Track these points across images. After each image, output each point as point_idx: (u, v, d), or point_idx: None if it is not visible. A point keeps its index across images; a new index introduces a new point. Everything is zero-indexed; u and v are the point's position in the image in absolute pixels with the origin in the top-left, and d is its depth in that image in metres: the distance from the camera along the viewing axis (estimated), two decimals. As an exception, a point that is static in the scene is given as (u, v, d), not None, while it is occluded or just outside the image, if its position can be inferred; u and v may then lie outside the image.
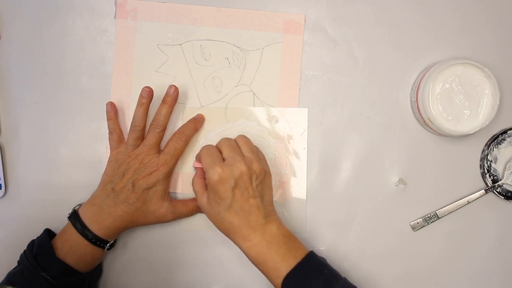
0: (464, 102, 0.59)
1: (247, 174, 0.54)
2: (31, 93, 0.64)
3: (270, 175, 0.58)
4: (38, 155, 0.64)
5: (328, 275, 0.54)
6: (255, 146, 0.59)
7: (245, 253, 0.55)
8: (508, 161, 0.64)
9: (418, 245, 0.64)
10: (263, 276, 0.63)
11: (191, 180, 0.63)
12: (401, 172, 0.64)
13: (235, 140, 0.59)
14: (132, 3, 0.64)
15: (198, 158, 0.59)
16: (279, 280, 0.53)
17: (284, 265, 0.53)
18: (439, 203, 0.64)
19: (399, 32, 0.64)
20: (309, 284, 0.52)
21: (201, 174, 0.59)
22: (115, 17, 0.64)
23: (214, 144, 0.59)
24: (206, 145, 0.58)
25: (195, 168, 0.61)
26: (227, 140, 0.58)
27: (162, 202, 0.60)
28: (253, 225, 0.54)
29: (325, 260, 0.56)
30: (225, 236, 0.56)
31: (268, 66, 0.64)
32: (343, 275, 0.55)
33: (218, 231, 0.57)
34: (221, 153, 0.57)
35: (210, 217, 0.57)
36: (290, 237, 0.56)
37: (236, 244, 0.56)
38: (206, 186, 0.57)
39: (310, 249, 0.56)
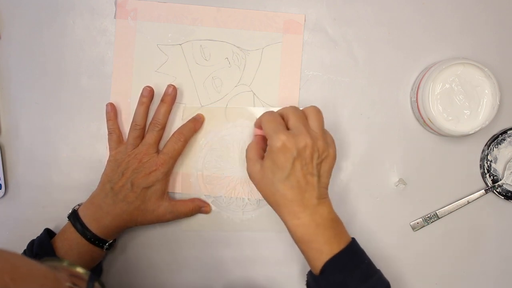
0: (464, 102, 0.59)
1: (311, 149, 0.52)
2: (31, 93, 0.64)
3: (333, 158, 0.54)
4: (38, 155, 0.64)
5: (367, 265, 0.53)
6: (325, 129, 0.56)
7: (290, 230, 0.53)
8: (508, 161, 0.64)
9: (418, 245, 0.64)
10: (263, 276, 0.63)
11: (190, 180, 0.64)
12: (401, 172, 0.64)
13: (303, 111, 0.56)
14: (132, 3, 0.64)
15: (258, 124, 0.56)
16: (320, 263, 0.52)
17: (327, 249, 0.52)
18: (439, 203, 0.64)
19: (399, 32, 0.64)
20: (348, 272, 0.52)
21: (259, 141, 0.57)
22: (115, 17, 0.64)
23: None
24: (268, 111, 0.55)
25: (256, 135, 0.58)
26: (294, 108, 0.55)
27: (161, 201, 0.60)
28: (305, 202, 0.52)
29: (364, 252, 0.55)
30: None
31: (268, 66, 0.64)
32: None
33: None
34: (285, 121, 0.54)
35: (261, 187, 0.54)
36: (338, 222, 0.54)
37: (283, 219, 0.53)
38: (261, 155, 0.55)
39: (352, 237, 0.55)
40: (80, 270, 0.39)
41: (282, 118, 0.55)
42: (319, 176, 0.53)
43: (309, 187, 0.52)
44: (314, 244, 0.52)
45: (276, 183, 0.52)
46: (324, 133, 0.55)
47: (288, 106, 0.56)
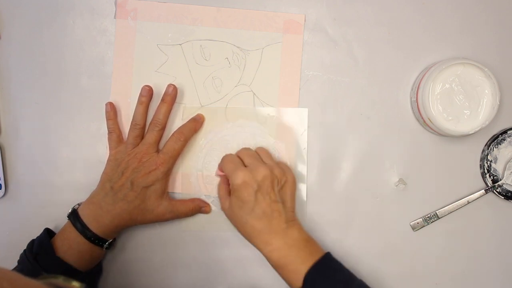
0: (464, 102, 0.59)
1: (269, 178, 0.55)
2: (31, 93, 0.64)
3: (293, 182, 0.58)
4: (38, 155, 0.64)
5: (346, 275, 0.55)
6: (277, 158, 0.61)
7: (266, 257, 0.56)
8: (508, 161, 0.64)
9: (418, 245, 0.64)
10: (263, 276, 0.63)
11: (190, 180, 0.64)
12: (401, 172, 0.64)
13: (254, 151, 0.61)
14: (132, 3, 0.64)
15: (220, 166, 0.60)
16: (299, 281, 0.53)
17: (304, 268, 0.53)
18: (439, 203, 0.64)
19: (399, 32, 0.64)
20: (328, 279, 0.53)
21: (225, 180, 0.60)
22: (115, 17, 0.64)
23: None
24: (227, 154, 0.60)
25: (219, 175, 0.61)
26: (246, 149, 0.61)
27: (161, 200, 0.60)
28: (274, 229, 0.55)
29: (341, 264, 0.56)
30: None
31: (268, 66, 0.64)
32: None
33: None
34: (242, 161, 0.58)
35: (233, 222, 0.58)
36: (310, 241, 0.56)
37: (258, 248, 0.56)
38: (229, 192, 0.58)
39: (328, 251, 0.56)
40: (75, 284, 0.39)
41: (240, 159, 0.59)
42: (283, 202, 0.57)
43: (275, 213, 0.55)
44: (290, 266, 0.54)
45: (244, 216, 0.56)
46: (278, 163, 0.59)
47: (241, 149, 0.61)
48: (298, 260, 0.54)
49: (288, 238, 0.55)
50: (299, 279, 0.53)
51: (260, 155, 0.60)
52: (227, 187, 0.59)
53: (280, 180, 0.56)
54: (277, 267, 0.55)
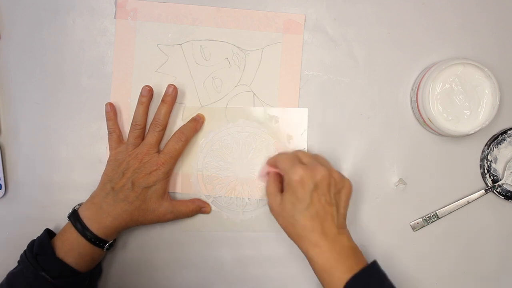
0: (464, 102, 0.59)
1: (327, 180, 0.54)
2: (31, 93, 0.64)
3: (349, 189, 0.57)
4: (38, 155, 0.64)
5: (389, 286, 0.53)
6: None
7: (312, 259, 0.53)
8: (508, 161, 0.64)
9: (418, 245, 0.64)
10: (263, 276, 0.63)
11: (190, 180, 0.64)
12: (401, 172, 0.64)
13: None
14: (132, 3, 0.64)
15: (271, 163, 0.59)
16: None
17: (347, 277, 0.52)
18: (439, 203, 0.64)
19: (399, 32, 0.64)
20: None
21: (276, 177, 0.58)
22: (115, 17, 0.64)
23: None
24: (282, 152, 0.60)
25: (267, 173, 0.60)
26: (303, 151, 0.60)
27: (162, 201, 0.60)
28: (326, 231, 0.53)
29: (386, 275, 0.55)
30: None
31: (268, 66, 0.64)
32: None
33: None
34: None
35: (281, 219, 0.56)
36: (357, 251, 0.55)
37: (303, 249, 0.54)
38: (280, 189, 0.57)
39: (374, 260, 0.55)
40: None
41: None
42: (337, 206, 0.55)
43: (328, 216, 0.54)
44: (336, 272, 0.52)
45: (296, 214, 0.54)
46: (336, 169, 0.57)
47: (296, 150, 0.60)
48: (343, 268, 0.52)
49: (338, 244, 0.53)
50: (342, 286, 0.52)
51: (319, 157, 0.58)
52: (278, 184, 0.58)
53: (337, 184, 0.55)
54: (321, 271, 0.53)
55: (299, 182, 0.53)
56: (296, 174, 0.53)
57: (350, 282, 0.51)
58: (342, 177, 0.56)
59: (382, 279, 0.53)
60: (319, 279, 0.54)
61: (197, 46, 0.64)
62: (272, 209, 0.57)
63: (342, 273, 0.52)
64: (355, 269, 0.52)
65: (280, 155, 0.59)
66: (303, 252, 0.55)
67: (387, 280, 0.53)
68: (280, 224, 0.56)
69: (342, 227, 0.55)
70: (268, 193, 0.58)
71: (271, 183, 0.58)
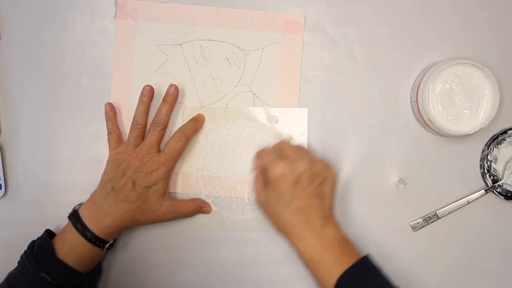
0: (464, 102, 0.59)
1: (309, 173, 0.53)
2: (31, 93, 0.64)
3: (334, 178, 0.56)
4: (38, 155, 0.64)
5: (381, 281, 0.53)
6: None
7: (299, 253, 0.54)
8: (508, 161, 0.64)
9: (418, 245, 0.64)
10: (263, 276, 0.63)
11: (190, 180, 0.64)
12: (401, 172, 0.64)
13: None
14: (132, 3, 0.64)
15: (258, 157, 0.58)
16: (332, 283, 0.51)
17: (338, 268, 0.52)
18: (439, 203, 0.64)
19: (399, 32, 0.64)
20: (363, 286, 0.51)
21: (262, 172, 0.58)
22: (115, 17, 0.64)
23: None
24: (265, 146, 0.59)
25: (255, 167, 0.59)
26: (287, 142, 0.58)
27: (162, 200, 0.60)
28: (310, 225, 0.53)
29: (379, 269, 0.54)
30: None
31: (268, 66, 0.64)
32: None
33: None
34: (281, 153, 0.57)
35: (267, 215, 0.56)
36: (345, 242, 0.55)
37: (291, 244, 0.54)
38: (265, 185, 0.56)
39: (366, 253, 0.54)
40: None
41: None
42: (322, 198, 0.55)
43: (312, 209, 0.53)
44: (323, 265, 0.52)
45: (280, 209, 0.54)
46: (321, 158, 0.56)
47: (280, 141, 0.59)
48: (331, 260, 0.52)
49: (324, 235, 0.53)
50: (331, 280, 0.51)
51: (301, 149, 0.58)
52: (263, 179, 0.57)
53: (320, 175, 0.54)
54: (310, 265, 0.53)
55: (280, 177, 0.53)
56: (276, 170, 0.53)
57: (340, 280, 0.51)
58: (325, 167, 0.55)
59: (375, 274, 0.53)
60: (309, 272, 0.54)
61: (197, 46, 0.64)
62: (258, 205, 0.57)
63: (330, 265, 0.52)
64: (344, 260, 0.52)
65: (263, 150, 0.58)
66: (292, 246, 0.54)
67: (380, 275, 0.53)
68: (267, 219, 0.56)
69: (328, 218, 0.55)
70: (254, 189, 0.58)
71: (257, 178, 0.58)
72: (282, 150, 0.56)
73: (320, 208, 0.54)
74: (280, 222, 0.55)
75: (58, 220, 0.62)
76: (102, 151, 0.64)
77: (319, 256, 0.53)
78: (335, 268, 0.52)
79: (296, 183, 0.53)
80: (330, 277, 0.52)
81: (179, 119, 0.64)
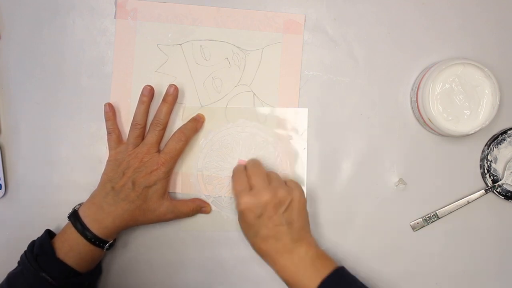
0: (464, 102, 0.59)
1: (273, 202, 0.56)
2: (31, 93, 0.64)
3: (298, 201, 0.58)
4: (38, 155, 0.64)
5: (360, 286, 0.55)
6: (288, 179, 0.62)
7: (278, 275, 0.57)
8: (508, 161, 0.64)
9: (418, 245, 0.64)
10: (262, 277, 0.63)
11: (190, 180, 0.64)
12: (401, 172, 0.64)
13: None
14: (132, 3, 0.64)
15: (232, 179, 0.61)
16: None
17: (313, 283, 0.54)
18: (439, 203, 0.64)
19: (399, 32, 0.64)
20: None
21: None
22: (115, 17, 0.64)
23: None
24: (237, 168, 0.61)
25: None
26: (255, 166, 0.60)
27: (162, 200, 0.60)
28: (280, 250, 0.56)
29: (356, 277, 0.57)
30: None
31: (268, 66, 0.64)
32: None
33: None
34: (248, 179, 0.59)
35: (246, 238, 0.60)
36: (319, 258, 0.57)
37: (270, 266, 0.58)
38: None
39: (341, 266, 0.56)
40: None
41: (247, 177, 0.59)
42: (289, 223, 0.57)
43: (280, 235, 0.56)
44: (300, 283, 0.55)
45: (251, 237, 0.58)
46: (286, 182, 0.59)
47: (250, 160, 0.62)
48: (305, 278, 0.55)
49: (295, 256, 0.56)
50: None
51: (267, 177, 0.59)
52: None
53: (284, 202, 0.56)
54: (288, 284, 0.56)
55: (246, 210, 0.56)
56: (241, 204, 0.56)
57: None
58: (289, 192, 0.57)
59: (352, 283, 0.55)
60: None
61: (197, 46, 0.64)
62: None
63: (306, 282, 0.54)
64: (317, 276, 0.54)
65: (235, 174, 0.60)
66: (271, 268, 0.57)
67: (357, 283, 0.55)
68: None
69: (300, 240, 0.57)
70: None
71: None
72: (249, 178, 0.58)
73: (289, 233, 0.56)
74: (255, 247, 0.58)
75: (58, 220, 0.62)
76: (102, 151, 0.64)
77: (294, 276, 0.55)
78: (311, 283, 0.54)
79: (261, 214, 0.56)
80: None
81: (179, 119, 0.64)
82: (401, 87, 0.64)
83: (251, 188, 0.57)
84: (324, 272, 0.55)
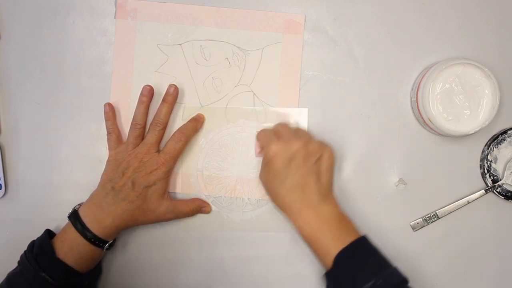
0: (464, 102, 0.59)
1: (303, 151, 0.55)
2: (31, 93, 0.64)
3: (329, 157, 0.56)
4: (38, 155, 0.64)
5: (380, 259, 0.53)
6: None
7: (298, 230, 0.55)
8: (508, 161, 0.64)
9: (418, 245, 0.64)
10: (262, 277, 0.63)
11: (190, 180, 0.64)
12: (401, 172, 0.64)
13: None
14: (132, 3, 0.64)
15: (257, 138, 0.61)
16: (329, 259, 0.52)
17: (335, 245, 0.52)
18: (439, 203, 0.64)
19: (399, 32, 0.64)
20: (360, 264, 0.52)
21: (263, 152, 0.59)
22: (115, 17, 0.64)
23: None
24: (264, 128, 0.61)
25: (259, 152, 0.62)
26: (284, 124, 0.60)
27: (162, 200, 0.60)
28: (306, 201, 0.54)
29: (377, 250, 0.55)
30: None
31: (268, 66, 0.64)
32: None
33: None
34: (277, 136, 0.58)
35: (268, 192, 0.58)
36: (344, 220, 0.55)
37: (291, 221, 0.56)
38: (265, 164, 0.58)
39: (364, 234, 0.55)
40: None
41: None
42: (317, 176, 0.55)
43: (307, 187, 0.54)
44: (321, 242, 0.53)
45: (277, 187, 0.55)
46: (317, 140, 0.58)
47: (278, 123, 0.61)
48: (328, 236, 0.53)
49: (320, 212, 0.54)
50: (329, 258, 0.52)
51: (298, 130, 0.59)
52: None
53: (315, 154, 0.55)
54: (308, 241, 0.55)
55: (274, 156, 0.55)
56: (271, 150, 0.55)
57: (338, 257, 0.52)
58: (320, 146, 0.56)
59: (373, 253, 0.53)
60: (310, 249, 0.55)
61: (197, 46, 0.64)
62: (261, 183, 0.59)
63: (328, 241, 0.53)
64: (342, 238, 0.53)
65: (261, 132, 0.60)
66: (292, 224, 0.56)
67: (378, 255, 0.53)
68: (269, 197, 0.58)
69: (325, 196, 0.55)
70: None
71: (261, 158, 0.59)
72: (278, 132, 0.58)
73: (316, 185, 0.55)
74: (278, 198, 0.56)
75: (58, 220, 0.62)
76: (102, 151, 0.64)
77: (316, 233, 0.54)
78: (333, 245, 0.53)
79: (290, 162, 0.54)
80: (328, 253, 0.53)
81: (179, 119, 0.64)
82: (401, 87, 0.64)
83: (279, 138, 0.57)
84: (346, 238, 0.53)
